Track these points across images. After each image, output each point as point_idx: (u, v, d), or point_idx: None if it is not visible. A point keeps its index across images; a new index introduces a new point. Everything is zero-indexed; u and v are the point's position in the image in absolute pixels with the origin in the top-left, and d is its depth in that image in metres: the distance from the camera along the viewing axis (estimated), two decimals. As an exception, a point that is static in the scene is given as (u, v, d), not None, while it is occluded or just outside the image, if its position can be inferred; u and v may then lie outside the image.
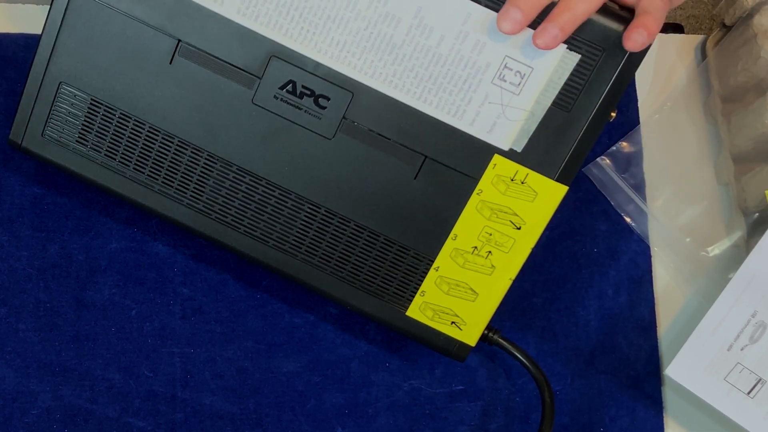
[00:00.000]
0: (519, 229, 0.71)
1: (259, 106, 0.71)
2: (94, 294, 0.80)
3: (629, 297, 0.85)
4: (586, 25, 0.66)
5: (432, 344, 0.75)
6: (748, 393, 0.78)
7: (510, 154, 0.70)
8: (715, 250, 0.86)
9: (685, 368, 0.78)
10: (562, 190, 0.70)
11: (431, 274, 0.73)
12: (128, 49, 0.71)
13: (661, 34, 0.93)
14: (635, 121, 0.89)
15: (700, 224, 0.87)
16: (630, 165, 0.87)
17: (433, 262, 0.73)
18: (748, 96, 0.84)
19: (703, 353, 0.78)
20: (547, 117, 0.68)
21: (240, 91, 0.71)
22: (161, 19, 0.71)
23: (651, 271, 0.86)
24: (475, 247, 0.72)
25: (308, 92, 0.70)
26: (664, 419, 0.82)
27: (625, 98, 0.90)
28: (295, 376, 0.80)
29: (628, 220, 0.86)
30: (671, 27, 1.00)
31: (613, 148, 0.88)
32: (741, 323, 0.79)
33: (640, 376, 0.83)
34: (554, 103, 0.68)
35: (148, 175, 0.74)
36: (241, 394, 0.79)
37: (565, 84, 0.68)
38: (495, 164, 0.70)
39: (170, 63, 0.71)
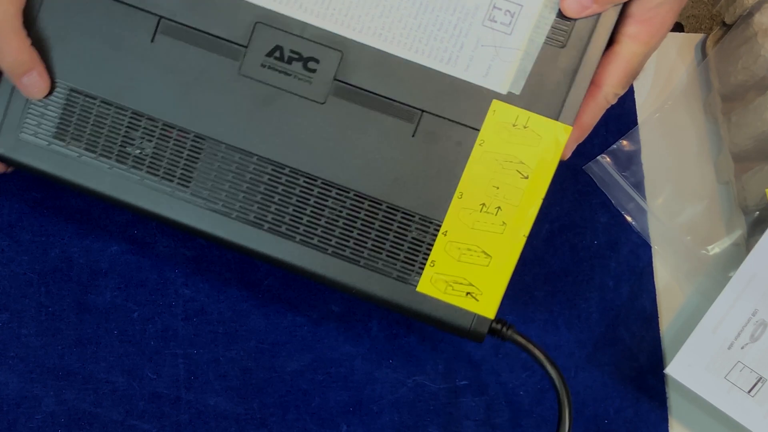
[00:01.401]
0: (527, 178, 0.68)
1: (247, 77, 0.68)
2: (95, 297, 0.80)
3: (631, 288, 0.85)
4: None
5: (447, 323, 0.70)
6: (749, 391, 0.78)
7: (509, 98, 0.67)
8: (716, 248, 0.86)
9: (685, 367, 0.79)
10: (566, 130, 0.67)
11: (440, 240, 0.68)
12: (106, 31, 0.69)
13: (660, 32, 0.93)
14: (635, 120, 0.89)
15: (701, 223, 0.87)
16: (630, 163, 0.87)
17: (440, 226, 0.68)
18: (748, 94, 0.84)
19: (703, 352, 0.79)
20: (542, 55, 0.67)
21: (226, 64, 0.68)
22: None
23: (651, 263, 0.86)
24: (483, 204, 0.68)
25: (296, 56, 0.68)
26: (668, 411, 0.83)
27: (624, 97, 0.89)
28: (299, 375, 0.80)
29: (628, 218, 0.86)
30: (671, 26, 1.00)
31: (614, 146, 0.88)
32: (741, 322, 0.79)
33: (644, 367, 0.83)
34: (548, 40, 0.67)
35: (131, 166, 0.70)
36: (246, 394, 0.79)
37: (557, 18, 0.67)
38: (494, 110, 0.67)
39: (152, 41, 0.69)
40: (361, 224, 0.69)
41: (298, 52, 0.68)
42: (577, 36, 0.66)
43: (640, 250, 0.86)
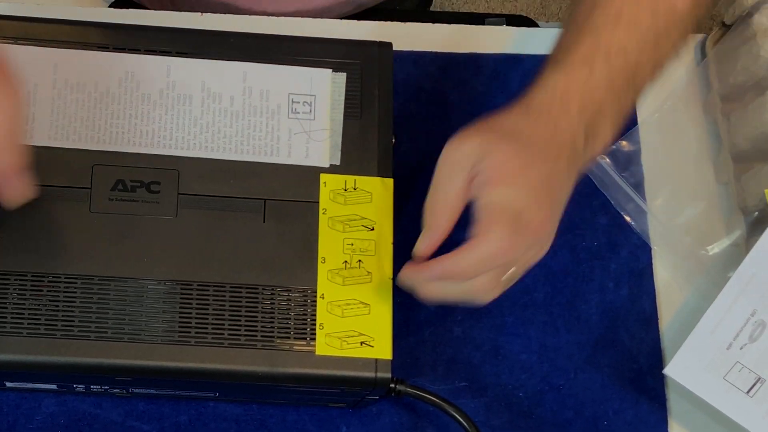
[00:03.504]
0: (373, 229, 0.75)
1: (99, 213, 0.73)
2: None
3: (630, 290, 0.85)
4: (338, 48, 0.78)
5: (353, 378, 0.73)
6: (748, 392, 0.78)
7: (333, 169, 0.76)
8: (715, 248, 0.86)
9: (684, 367, 0.79)
10: (389, 182, 0.76)
11: (320, 303, 0.73)
12: None
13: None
14: (635, 120, 0.89)
15: (700, 223, 0.87)
16: (630, 164, 0.87)
17: (316, 291, 0.73)
18: (747, 95, 0.84)
19: (702, 352, 0.79)
20: (346, 129, 0.77)
21: (76, 207, 0.72)
22: None
23: (651, 264, 0.86)
24: (346, 261, 0.74)
25: (138, 184, 0.74)
26: (668, 411, 0.83)
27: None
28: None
29: (627, 219, 0.86)
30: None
31: (613, 147, 0.87)
32: (740, 322, 0.79)
33: (643, 369, 0.83)
34: (346, 116, 0.77)
35: (11, 326, 0.70)
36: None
37: (346, 98, 0.77)
38: (325, 182, 0.76)
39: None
40: (246, 312, 0.73)
41: (139, 180, 0.74)
42: (366, 107, 0.78)
43: (640, 251, 0.86)
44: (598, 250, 0.86)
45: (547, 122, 0.69)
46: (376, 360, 0.73)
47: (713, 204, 0.88)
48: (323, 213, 0.75)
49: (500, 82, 0.90)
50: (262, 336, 0.72)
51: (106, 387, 0.76)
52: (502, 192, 0.67)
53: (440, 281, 0.70)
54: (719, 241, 0.86)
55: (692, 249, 0.86)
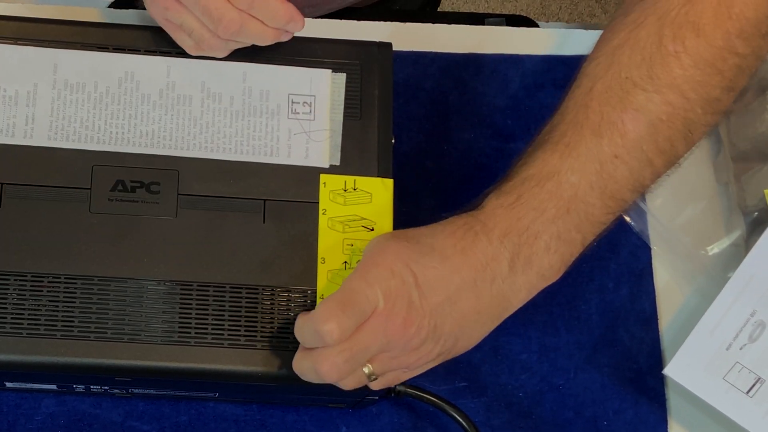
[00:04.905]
0: (372, 230, 0.75)
1: (99, 213, 0.73)
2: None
3: (630, 290, 0.85)
4: (337, 49, 0.78)
5: None
6: (747, 392, 0.78)
7: (333, 170, 0.76)
8: (715, 249, 0.86)
9: (683, 367, 0.79)
10: (389, 183, 0.76)
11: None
12: None
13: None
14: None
15: (700, 223, 0.87)
16: (629, 164, 0.87)
17: (315, 292, 0.73)
18: (747, 96, 0.84)
19: (701, 352, 0.79)
20: (346, 129, 0.77)
21: (76, 207, 0.73)
22: None
23: (651, 264, 0.86)
24: (345, 262, 0.74)
25: (138, 184, 0.74)
26: (668, 412, 0.83)
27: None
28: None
29: (627, 219, 0.86)
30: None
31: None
32: (740, 322, 0.79)
33: (643, 369, 0.83)
34: (346, 116, 0.77)
35: (11, 326, 0.70)
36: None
37: (346, 99, 0.78)
38: (324, 182, 0.76)
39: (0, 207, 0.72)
40: (246, 312, 0.72)
41: (139, 180, 0.74)
42: (366, 107, 0.78)
43: (640, 251, 0.86)
44: (598, 250, 0.86)
45: (464, 248, 0.68)
46: None
47: (713, 204, 0.88)
48: (323, 213, 0.75)
49: (500, 82, 0.90)
50: (261, 336, 0.72)
51: (106, 387, 0.76)
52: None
53: (299, 353, 0.69)
54: (719, 241, 0.86)
55: (692, 249, 0.86)
